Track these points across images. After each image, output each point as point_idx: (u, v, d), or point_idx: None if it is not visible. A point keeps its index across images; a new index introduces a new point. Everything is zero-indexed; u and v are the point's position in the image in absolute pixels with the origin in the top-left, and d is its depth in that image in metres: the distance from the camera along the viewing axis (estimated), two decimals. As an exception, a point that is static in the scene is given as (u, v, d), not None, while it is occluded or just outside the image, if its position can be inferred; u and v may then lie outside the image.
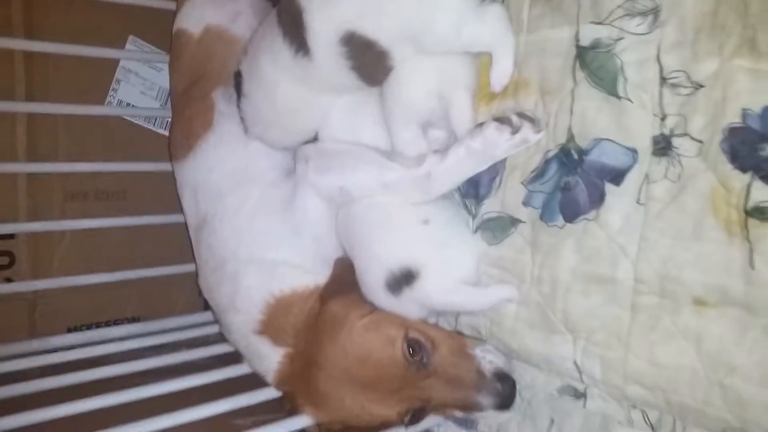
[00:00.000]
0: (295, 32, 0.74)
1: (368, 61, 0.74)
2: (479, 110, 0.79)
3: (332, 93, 0.81)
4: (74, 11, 1.06)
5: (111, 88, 1.10)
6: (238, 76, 0.85)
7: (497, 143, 0.74)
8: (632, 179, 0.66)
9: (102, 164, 1.07)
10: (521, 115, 0.73)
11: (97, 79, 1.10)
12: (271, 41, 0.77)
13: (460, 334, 0.83)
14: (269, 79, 0.80)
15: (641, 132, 0.65)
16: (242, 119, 0.86)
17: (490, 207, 0.80)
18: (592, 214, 0.69)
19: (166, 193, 1.04)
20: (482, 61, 0.78)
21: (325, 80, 0.78)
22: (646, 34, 0.64)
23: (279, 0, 0.85)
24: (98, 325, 1.14)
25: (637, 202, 0.66)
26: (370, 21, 0.71)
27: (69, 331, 1.11)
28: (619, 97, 0.66)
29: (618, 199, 0.67)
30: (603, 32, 0.67)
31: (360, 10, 0.70)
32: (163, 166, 1.07)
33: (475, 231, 0.81)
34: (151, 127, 1.15)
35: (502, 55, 0.75)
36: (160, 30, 1.09)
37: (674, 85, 0.62)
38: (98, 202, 1.10)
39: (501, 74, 0.76)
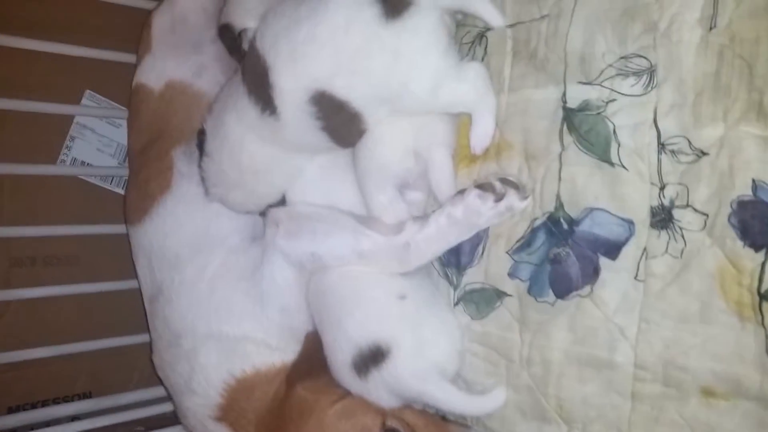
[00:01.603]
0: (260, 90, 0.68)
1: (340, 122, 0.67)
2: (459, 173, 0.72)
3: (302, 153, 0.74)
4: (27, 64, 0.98)
5: (64, 145, 1.02)
6: (201, 134, 0.78)
7: (480, 212, 0.67)
8: (629, 253, 0.59)
9: (52, 228, 0.97)
10: (505, 181, 0.67)
11: (49, 137, 1.02)
12: (236, 99, 0.71)
13: (444, 419, 0.74)
14: (234, 138, 0.73)
15: (638, 202, 0.58)
16: (203, 179, 0.79)
17: (472, 277, 0.72)
18: (585, 290, 0.62)
19: (122, 258, 0.94)
20: (462, 120, 0.72)
21: (293, 140, 0.71)
22: (641, 95, 0.58)
23: (243, 56, 0.80)
24: (44, 404, 1.01)
25: (636, 279, 0.59)
26: (342, 81, 0.64)
27: (10, 411, 0.99)
28: (612, 164, 0.60)
29: (614, 274, 0.60)
30: (593, 93, 0.61)
31: (330, 69, 0.64)
32: (120, 229, 0.98)
33: (457, 303, 0.73)
34: (107, 186, 1.06)
35: (483, 115, 0.69)
36: (119, 84, 1.01)
37: (674, 152, 0.56)
38: (47, 269, 1.00)
39: (482, 136, 0.70)
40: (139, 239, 0.88)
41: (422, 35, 0.63)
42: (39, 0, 1.00)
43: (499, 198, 0.66)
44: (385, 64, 0.63)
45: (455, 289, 0.74)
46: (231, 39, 0.81)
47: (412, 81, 0.64)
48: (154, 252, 0.86)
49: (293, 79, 0.65)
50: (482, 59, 0.71)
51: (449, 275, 0.74)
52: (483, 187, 0.67)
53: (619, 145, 0.59)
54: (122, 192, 1.06)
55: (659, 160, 0.57)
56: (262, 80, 0.67)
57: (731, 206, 0.53)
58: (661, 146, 0.57)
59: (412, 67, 0.63)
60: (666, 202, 0.57)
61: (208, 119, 0.77)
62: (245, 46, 0.76)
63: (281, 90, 0.66)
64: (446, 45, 0.64)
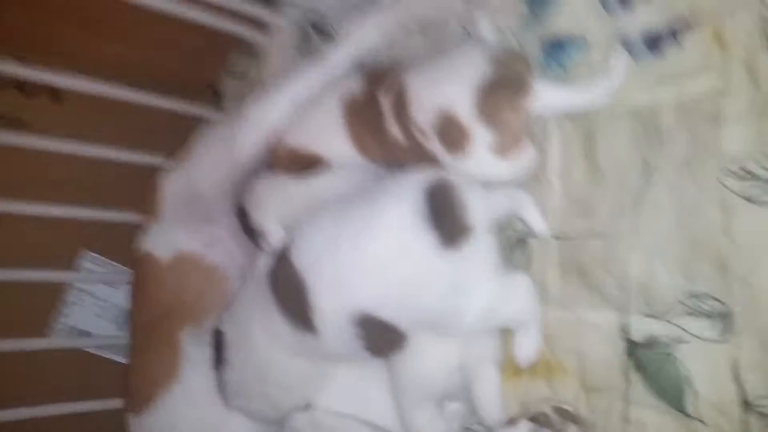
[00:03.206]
0: (297, 310, 0.60)
1: (384, 341, 0.60)
2: (503, 387, 0.65)
3: (336, 363, 0.67)
4: (18, 227, 0.91)
5: (60, 313, 0.94)
6: (218, 335, 0.70)
7: (536, 449, 0.60)
8: None
9: (43, 407, 0.87)
10: (562, 413, 0.60)
11: (41, 305, 0.94)
12: (267, 314, 0.63)
13: None
14: (262, 354, 0.65)
15: (721, 462, 0.52)
16: (222, 389, 0.70)
17: None
18: None
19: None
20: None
21: (329, 354, 0.64)
22: (717, 342, 0.52)
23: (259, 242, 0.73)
24: None
25: None
26: (391, 308, 0.57)
27: None
28: (688, 415, 0.53)
29: None
30: (659, 329, 0.55)
31: (379, 298, 0.57)
32: (117, 403, 0.89)
33: None
34: (105, 354, 0.97)
35: (529, 329, 0.62)
36: (120, 242, 0.94)
37: (763, 415, 0.50)
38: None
39: (527, 349, 0.62)
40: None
41: (479, 263, 0.57)
42: (22, 157, 0.92)
43: (558, 435, 0.59)
44: (439, 295, 0.56)
45: None
46: (249, 223, 0.75)
47: (467, 310, 0.57)
48: (157, 450, 0.77)
49: (337, 303, 0.58)
50: (523, 265, 0.65)
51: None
52: (538, 420, 0.59)
53: (695, 395, 0.52)
54: (122, 360, 0.97)
55: (745, 421, 0.50)
56: (299, 299, 0.59)
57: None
58: (747, 405, 0.50)
59: (468, 296, 0.57)
60: (754, 468, 0.50)
61: (227, 321, 0.69)
62: (268, 250, 0.70)
63: (322, 312, 0.59)
64: (499, 266, 0.59)
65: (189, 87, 1.04)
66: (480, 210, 0.57)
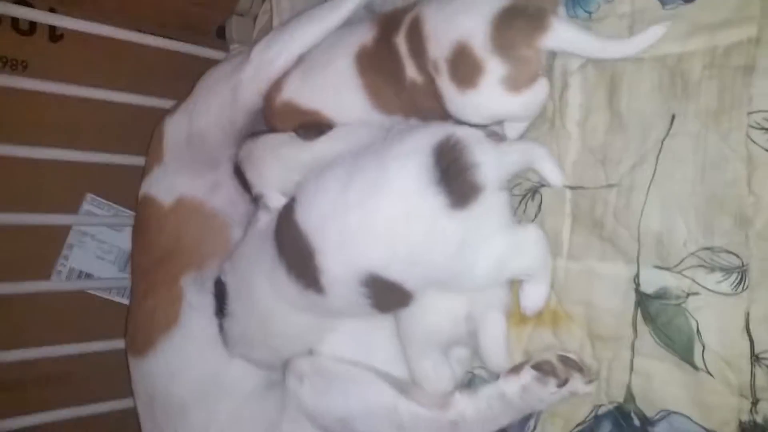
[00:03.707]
0: (303, 270, 0.60)
1: (391, 299, 0.59)
2: (508, 333, 0.65)
3: (341, 317, 0.66)
4: (19, 170, 0.88)
5: (61, 255, 0.92)
6: (219, 285, 0.69)
7: (540, 397, 0.59)
8: (715, 468, 0.52)
9: (45, 349, 0.86)
10: (566, 361, 0.59)
11: (43, 247, 0.92)
12: (271, 270, 0.62)
13: None
14: (266, 307, 0.65)
15: (725, 414, 0.52)
16: (224, 337, 0.70)
17: (520, 454, 0.64)
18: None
19: (121, 374, 0.85)
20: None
21: (335, 310, 0.63)
22: (730, 295, 0.52)
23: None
24: None
25: (722, 495, 0.52)
26: (398, 268, 0.57)
27: None
28: (695, 367, 0.53)
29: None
30: (671, 281, 0.54)
31: (386, 259, 0.56)
32: (119, 344, 0.88)
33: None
34: (107, 296, 0.96)
35: (539, 278, 0.61)
36: (123, 186, 0.92)
37: (771, 367, 0.50)
38: (36, 391, 0.90)
39: (535, 298, 0.62)
40: (141, 374, 0.79)
41: (490, 222, 0.56)
42: (28, 99, 0.89)
43: (562, 383, 0.59)
44: (448, 255, 0.55)
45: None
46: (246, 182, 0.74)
47: (477, 267, 0.56)
48: (157, 393, 0.77)
49: (344, 264, 0.57)
50: (535, 216, 0.64)
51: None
52: (542, 368, 0.59)
53: (703, 347, 0.52)
54: (124, 302, 0.96)
55: (752, 373, 0.50)
56: (306, 260, 0.59)
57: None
58: (755, 358, 0.50)
59: (477, 254, 0.56)
60: (759, 419, 0.50)
61: (229, 271, 0.68)
62: (266, 208, 0.69)
63: (329, 273, 0.58)
64: (509, 221, 0.58)
65: (195, 28, 1.01)
66: (492, 167, 0.55)
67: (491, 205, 0.55)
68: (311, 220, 0.59)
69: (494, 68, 0.56)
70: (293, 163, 0.69)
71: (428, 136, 0.57)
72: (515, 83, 0.57)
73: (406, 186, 0.55)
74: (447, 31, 0.58)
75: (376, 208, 0.55)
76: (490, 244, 0.56)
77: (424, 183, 0.54)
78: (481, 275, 0.57)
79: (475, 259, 0.56)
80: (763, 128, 0.49)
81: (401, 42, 0.62)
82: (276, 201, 0.68)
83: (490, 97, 0.58)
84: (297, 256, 0.60)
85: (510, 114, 0.60)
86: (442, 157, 0.55)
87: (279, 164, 0.70)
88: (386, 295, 0.58)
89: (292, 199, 0.62)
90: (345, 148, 0.65)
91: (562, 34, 0.55)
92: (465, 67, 0.57)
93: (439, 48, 0.59)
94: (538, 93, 0.58)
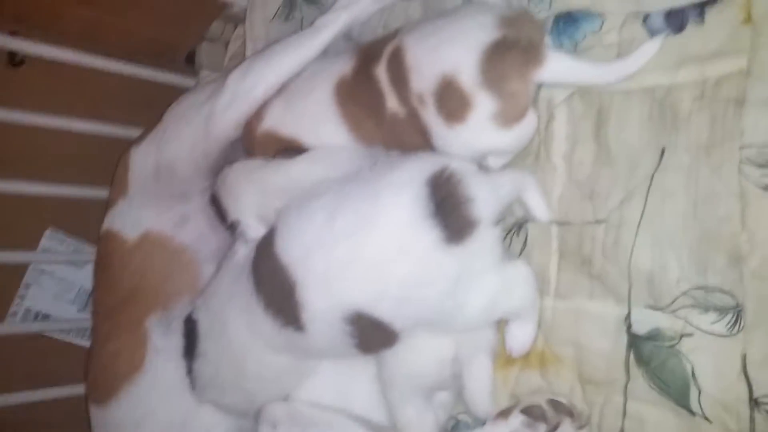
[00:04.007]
0: (283, 306, 0.56)
1: (376, 339, 0.56)
2: (494, 376, 0.62)
3: (321, 358, 0.63)
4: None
5: (17, 294, 0.86)
6: (190, 323, 0.65)
7: (529, 444, 0.56)
8: None
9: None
10: (557, 406, 0.56)
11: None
12: (246, 308, 0.58)
13: None
14: (239, 347, 0.61)
15: (725, 462, 0.49)
16: (192, 380, 0.65)
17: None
18: None
19: (82, 422, 0.79)
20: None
21: (315, 350, 0.59)
22: (725, 336, 0.49)
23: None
24: None
25: None
26: (387, 305, 0.53)
27: None
28: (692, 412, 0.50)
29: None
30: (664, 321, 0.52)
31: (375, 296, 0.53)
32: (79, 390, 0.82)
33: None
34: (65, 338, 0.90)
35: (525, 318, 0.59)
36: (85, 220, 0.87)
37: (771, 413, 0.48)
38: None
39: (521, 339, 0.59)
40: (104, 424, 0.74)
41: (483, 258, 0.53)
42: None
43: (553, 429, 0.55)
44: (441, 293, 0.52)
45: None
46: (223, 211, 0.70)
47: (469, 305, 0.53)
48: (121, 443, 0.72)
49: (329, 300, 0.54)
50: (521, 252, 0.61)
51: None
52: (532, 413, 0.56)
53: (699, 391, 0.50)
54: (84, 344, 0.90)
55: (752, 418, 0.48)
56: (286, 295, 0.55)
57: None
58: (754, 402, 0.48)
59: (470, 292, 0.53)
60: (760, 467, 0.48)
61: (201, 309, 0.64)
62: (243, 239, 0.65)
63: (311, 308, 0.54)
64: (501, 257, 0.55)
65: (164, 54, 0.97)
66: (487, 202, 0.53)
67: (485, 240, 0.52)
68: (293, 250, 0.55)
69: (484, 103, 0.54)
70: (270, 186, 0.66)
71: (421, 166, 0.54)
72: (505, 118, 0.54)
73: (399, 218, 0.51)
74: (432, 64, 0.55)
75: (366, 241, 0.52)
76: (483, 281, 0.53)
77: (419, 216, 0.51)
78: (474, 314, 0.54)
79: (467, 297, 0.53)
80: (755, 164, 0.47)
81: (381, 72, 0.60)
82: (253, 229, 0.65)
83: (480, 132, 0.55)
84: (276, 291, 0.56)
85: (499, 149, 0.58)
86: (436, 189, 0.52)
87: (255, 188, 0.66)
88: (372, 335, 0.55)
89: (272, 230, 0.58)
90: (324, 173, 0.62)
91: (557, 66, 0.53)
92: (452, 101, 0.55)
93: (423, 80, 0.56)
94: (527, 127, 0.56)
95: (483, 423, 0.60)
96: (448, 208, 0.51)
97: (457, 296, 0.53)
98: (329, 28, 0.72)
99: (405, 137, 0.60)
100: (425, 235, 0.51)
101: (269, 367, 0.61)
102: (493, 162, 0.60)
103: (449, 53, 0.55)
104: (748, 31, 0.48)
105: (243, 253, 0.65)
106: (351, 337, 0.55)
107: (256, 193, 0.65)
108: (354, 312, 0.53)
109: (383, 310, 0.53)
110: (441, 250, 0.51)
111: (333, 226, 0.53)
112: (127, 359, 0.73)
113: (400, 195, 0.52)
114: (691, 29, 0.51)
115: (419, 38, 0.58)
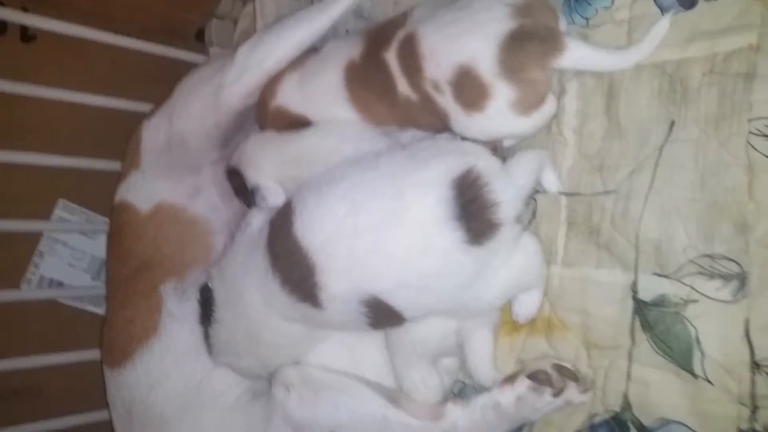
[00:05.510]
0: (302, 285, 0.56)
1: (388, 319, 0.56)
2: (500, 341, 0.62)
3: (334, 330, 0.63)
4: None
5: (31, 262, 0.86)
6: (205, 291, 0.65)
7: (535, 407, 0.57)
8: (713, 478, 0.50)
9: (12, 360, 0.80)
10: (562, 370, 0.57)
11: (12, 255, 0.85)
12: (263, 281, 0.58)
13: None
14: (255, 317, 0.61)
15: (724, 423, 0.50)
16: (208, 345, 0.66)
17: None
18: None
19: (92, 385, 0.79)
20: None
21: (330, 324, 0.59)
22: (729, 302, 0.50)
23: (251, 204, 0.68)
24: None
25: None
26: (404, 294, 0.53)
27: None
28: (695, 375, 0.51)
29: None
30: (670, 288, 0.53)
31: (394, 284, 0.53)
32: (91, 355, 0.83)
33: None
34: (78, 305, 0.90)
35: (531, 287, 0.59)
36: (97, 190, 0.87)
37: (771, 375, 0.48)
38: (4, 405, 0.83)
39: (527, 306, 0.60)
40: (117, 386, 0.74)
41: (502, 254, 0.53)
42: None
43: (558, 392, 0.56)
44: (460, 285, 0.53)
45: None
46: (240, 184, 0.69)
47: (484, 296, 0.54)
48: (135, 406, 0.72)
49: (349, 285, 0.54)
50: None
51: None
52: (537, 377, 0.57)
53: (703, 355, 0.51)
54: (98, 311, 0.89)
55: (752, 381, 0.49)
56: (305, 276, 0.55)
57: None
58: (755, 366, 0.49)
59: (487, 283, 0.54)
60: (759, 427, 0.48)
61: (216, 277, 0.64)
62: (261, 206, 0.65)
63: (330, 290, 0.55)
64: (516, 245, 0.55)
65: (174, 31, 0.96)
66: (510, 203, 0.52)
67: (507, 238, 0.52)
68: (314, 236, 0.55)
69: (503, 92, 0.53)
70: (285, 155, 0.66)
71: (448, 166, 0.53)
72: (525, 106, 0.54)
73: (424, 217, 0.51)
74: (448, 53, 0.55)
75: (391, 236, 0.52)
76: (499, 273, 0.54)
77: (443, 217, 0.51)
78: (488, 302, 0.55)
79: (482, 289, 0.54)
80: (763, 135, 0.48)
81: (391, 58, 0.59)
82: (274, 194, 0.65)
83: (499, 119, 0.55)
84: (294, 270, 0.56)
85: (518, 134, 0.58)
86: (462, 192, 0.51)
87: (272, 157, 0.67)
88: (384, 316, 0.55)
89: (288, 209, 0.58)
90: (336, 145, 0.63)
91: (576, 54, 0.53)
92: (471, 90, 0.54)
93: (438, 69, 0.56)
94: (546, 112, 0.56)
95: (488, 388, 0.61)
96: (473, 212, 0.51)
97: (475, 288, 0.53)
98: (339, 3, 0.72)
99: (420, 119, 0.60)
100: (448, 235, 0.51)
101: (283, 335, 0.62)
102: (507, 141, 0.61)
103: (467, 43, 0.54)
104: (758, 7, 0.48)
105: (256, 225, 0.65)
106: (366, 316, 0.55)
107: (273, 161, 0.66)
108: (371, 296, 0.54)
109: (400, 299, 0.53)
110: (462, 250, 0.51)
111: (356, 217, 0.53)
112: (142, 324, 0.73)
113: (425, 194, 0.52)
114: (702, 5, 0.51)
115: (435, 28, 0.57)
